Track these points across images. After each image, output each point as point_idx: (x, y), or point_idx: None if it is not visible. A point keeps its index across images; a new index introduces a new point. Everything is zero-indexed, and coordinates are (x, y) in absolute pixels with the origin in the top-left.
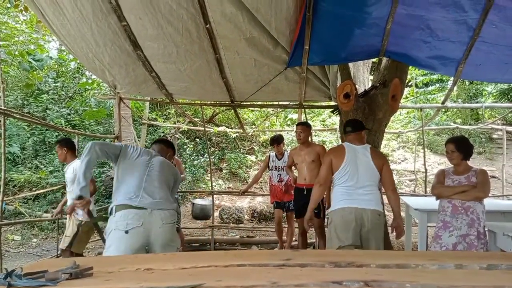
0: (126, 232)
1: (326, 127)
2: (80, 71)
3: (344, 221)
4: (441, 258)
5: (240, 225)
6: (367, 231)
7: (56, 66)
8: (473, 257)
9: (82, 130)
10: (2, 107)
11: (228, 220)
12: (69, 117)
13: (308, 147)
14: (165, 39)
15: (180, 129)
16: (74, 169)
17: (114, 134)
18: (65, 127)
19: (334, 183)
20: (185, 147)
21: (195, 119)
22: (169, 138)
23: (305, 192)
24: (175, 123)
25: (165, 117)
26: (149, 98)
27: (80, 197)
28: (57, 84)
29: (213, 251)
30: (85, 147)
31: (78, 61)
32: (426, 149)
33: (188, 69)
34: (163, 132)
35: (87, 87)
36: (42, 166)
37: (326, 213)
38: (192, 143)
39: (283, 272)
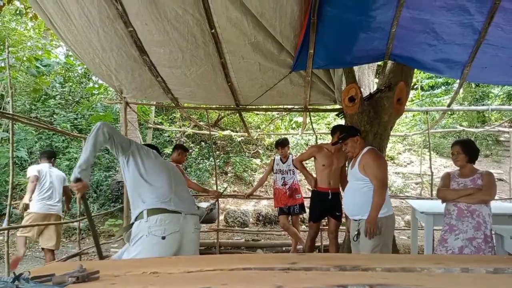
0: (163, 238)
1: (330, 130)
2: (87, 76)
3: (394, 226)
4: (447, 261)
5: (245, 228)
6: None
7: (63, 71)
8: (479, 260)
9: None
10: (11, 112)
11: (233, 224)
12: (76, 121)
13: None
14: (171, 44)
15: (186, 133)
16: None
17: None
18: (72, 132)
19: None
20: (190, 150)
21: (201, 123)
22: (174, 142)
23: (330, 197)
24: (180, 127)
25: (170, 121)
26: (155, 103)
27: (78, 180)
28: (64, 89)
29: (218, 255)
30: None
31: (85, 66)
32: (432, 152)
33: (194, 74)
34: (168, 136)
35: (94, 91)
36: None
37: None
38: (198, 146)
39: (288, 276)
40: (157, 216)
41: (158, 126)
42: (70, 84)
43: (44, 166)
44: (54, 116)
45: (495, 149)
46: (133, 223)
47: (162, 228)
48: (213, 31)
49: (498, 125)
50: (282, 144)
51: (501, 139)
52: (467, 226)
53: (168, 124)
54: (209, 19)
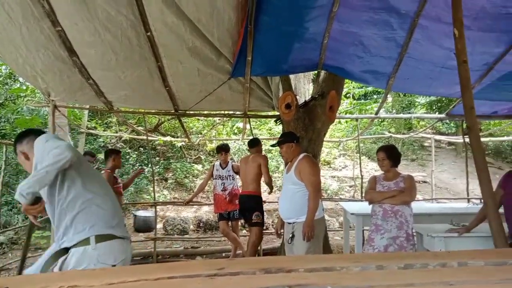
0: (113, 266)
1: (272, 136)
2: (13, 77)
3: (325, 227)
4: (364, 260)
5: (185, 236)
6: None
7: None
8: (393, 257)
9: (13, 140)
10: None
11: (173, 232)
12: None
13: None
14: (103, 46)
15: (122, 138)
16: None
17: None
18: None
19: None
20: (127, 157)
21: (139, 128)
22: (110, 147)
23: None
24: (116, 132)
25: (105, 125)
26: (88, 106)
27: (25, 198)
28: None
29: (143, 265)
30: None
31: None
32: (365, 157)
33: (129, 77)
34: (103, 142)
35: (20, 93)
36: None
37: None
38: (136, 152)
39: (213, 282)
40: (107, 242)
41: (92, 131)
42: None
43: None
44: None
45: (420, 154)
46: (67, 248)
47: (112, 256)
48: (148, 34)
49: (422, 131)
50: (225, 149)
51: (426, 144)
52: (391, 225)
53: (103, 129)
54: (144, 22)
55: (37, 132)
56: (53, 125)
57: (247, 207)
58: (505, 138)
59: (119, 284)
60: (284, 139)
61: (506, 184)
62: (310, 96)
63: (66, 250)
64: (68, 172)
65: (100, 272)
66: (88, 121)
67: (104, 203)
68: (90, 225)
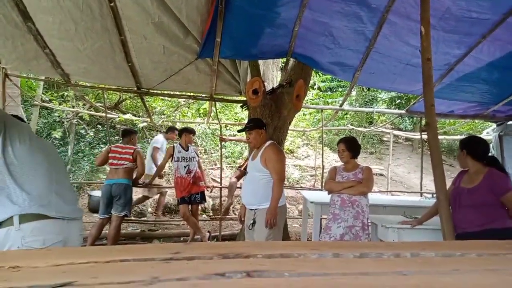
0: None
1: (236, 121)
2: None
3: (286, 215)
4: (321, 247)
5: (142, 218)
6: None
7: None
8: (349, 246)
9: None
10: None
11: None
12: None
13: None
14: (61, 13)
15: (79, 114)
16: None
17: None
18: None
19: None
20: (84, 133)
21: (97, 104)
22: (65, 123)
23: None
24: (73, 106)
25: (62, 99)
26: (43, 78)
27: None
28: None
29: (96, 246)
30: None
31: None
32: (327, 148)
33: (88, 49)
34: (59, 116)
35: None
36: None
37: None
38: (93, 130)
39: (168, 266)
40: (33, 223)
41: (46, 104)
42: None
43: None
44: None
45: (379, 148)
46: None
47: (40, 238)
48: (112, 4)
49: (382, 126)
50: (185, 130)
51: (384, 139)
52: (348, 215)
53: (58, 103)
54: None
55: None
56: (3, 95)
57: None
58: (458, 137)
59: (66, 265)
60: (254, 125)
61: (456, 180)
62: (278, 84)
63: None
64: None
65: (46, 253)
66: (43, 93)
67: (35, 178)
68: (13, 201)
